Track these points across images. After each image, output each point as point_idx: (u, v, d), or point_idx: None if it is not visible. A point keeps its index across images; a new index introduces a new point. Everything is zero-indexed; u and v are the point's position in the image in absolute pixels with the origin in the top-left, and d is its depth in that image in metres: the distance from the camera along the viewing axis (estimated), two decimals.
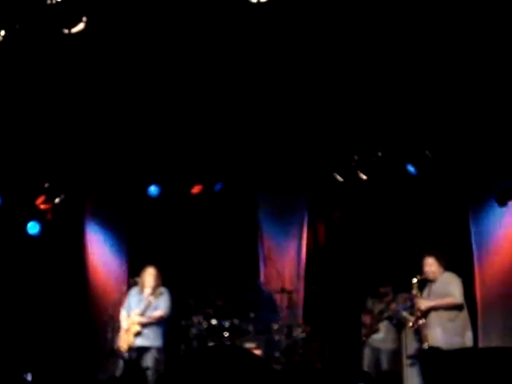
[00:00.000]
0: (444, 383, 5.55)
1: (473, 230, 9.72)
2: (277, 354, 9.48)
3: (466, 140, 9.23)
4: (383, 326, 9.04)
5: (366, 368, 8.91)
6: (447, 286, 7.95)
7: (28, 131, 9.17)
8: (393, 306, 8.87)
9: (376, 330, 9.04)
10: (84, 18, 7.16)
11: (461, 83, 8.23)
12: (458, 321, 7.89)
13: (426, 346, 7.82)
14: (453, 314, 7.88)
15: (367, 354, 9.08)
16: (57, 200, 10.45)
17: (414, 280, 8.05)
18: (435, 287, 8.03)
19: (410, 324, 8.15)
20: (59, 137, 9.41)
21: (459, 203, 9.76)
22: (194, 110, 9.09)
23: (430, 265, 8.05)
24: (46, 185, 10.35)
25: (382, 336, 9.04)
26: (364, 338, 9.14)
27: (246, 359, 4.00)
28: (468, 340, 7.88)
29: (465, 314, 7.96)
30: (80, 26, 7.21)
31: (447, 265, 8.13)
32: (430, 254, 8.10)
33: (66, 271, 10.38)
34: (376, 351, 9.04)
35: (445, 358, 6.66)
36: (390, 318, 8.96)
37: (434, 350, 7.63)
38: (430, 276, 8.06)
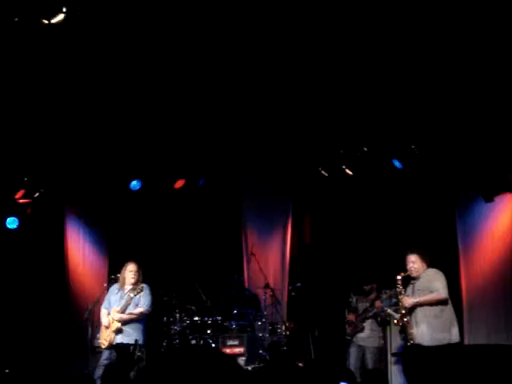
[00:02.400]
0: (426, 380, 5.44)
1: (458, 225, 9.65)
2: (260, 351, 9.38)
3: (452, 135, 9.16)
4: (368, 324, 8.96)
5: (351, 366, 8.82)
6: (431, 282, 7.91)
7: (7, 125, 9.00)
8: (377, 303, 8.79)
9: (361, 329, 8.95)
10: (64, 9, 7.05)
11: (447, 78, 8.16)
12: (443, 316, 7.84)
13: (411, 343, 7.76)
14: (438, 309, 7.83)
15: (353, 352, 9.00)
16: (36, 194, 10.29)
17: (398, 277, 7.99)
18: (419, 284, 7.99)
19: (395, 321, 8.09)
20: (39, 131, 9.25)
21: (445, 198, 9.69)
22: (177, 104, 8.97)
23: (413, 262, 8.01)
24: (26, 179, 10.19)
25: (367, 334, 8.95)
26: (349, 337, 9.05)
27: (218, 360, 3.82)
28: (454, 335, 7.83)
29: (450, 309, 7.91)
30: (60, 17, 7.09)
31: (432, 260, 8.08)
32: (412, 251, 8.07)
33: (45, 266, 10.25)
34: (361, 349, 8.96)
35: (427, 354, 6.59)
36: (374, 316, 8.88)
37: (416, 347, 7.56)
38: (414, 273, 8.02)
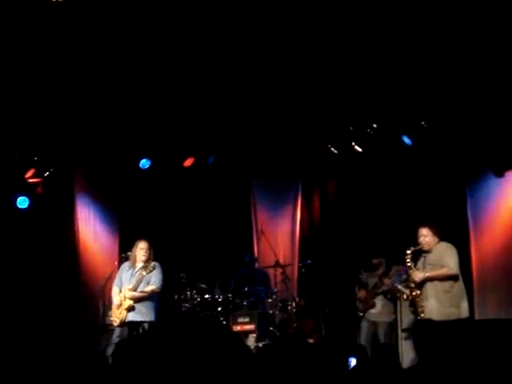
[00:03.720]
0: (437, 355, 5.45)
1: (469, 200, 9.63)
2: (271, 328, 9.42)
3: (462, 111, 9.10)
4: (379, 299, 8.97)
5: (362, 341, 8.86)
6: (442, 257, 7.87)
7: (16, 105, 9.01)
8: (386, 280, 8.79)
9: (372, 305, 8.97)
10: None
11: (456, 54, 8.09)
12: (453, 291, 7.82)
13: (422, 316, 7.76)
14: (448, 284, 7.81)
15: (364, 327, 9.03)
16: (46, 173, 10.30)
17: (408, 251, 7.96)
18: (430, 257, 7.95)
19: (405, 296, 8.08)
20: (48, 110, 9.24)
21: (455, 174, 9.66)
22: (185, 83, 8.94)
23: (425, 235, 7.96)
24: (35, 158, 10.20)
25: (378, 310, 8.98)
26: (360, 313, 9.07)
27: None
28: (464, 311, 7.82)
29: (460, 284, 7.89)
30: None
31: (443, 236, 8.03)
32: (424, 224, 8.01)
33: (56, 245, 10.25)
34: (373, 325, 8.99)
35: (437, 329, 6.59)
36: (384, 293, 8.88)
37: (427, 322, 7.55)
38: (425, 247, 7.97)
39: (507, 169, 9.27)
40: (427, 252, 7.98)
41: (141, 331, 8.32)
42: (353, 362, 4.60)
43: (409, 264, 8.00)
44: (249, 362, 3.31)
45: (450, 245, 7.98)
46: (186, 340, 3.88)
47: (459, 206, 9.60)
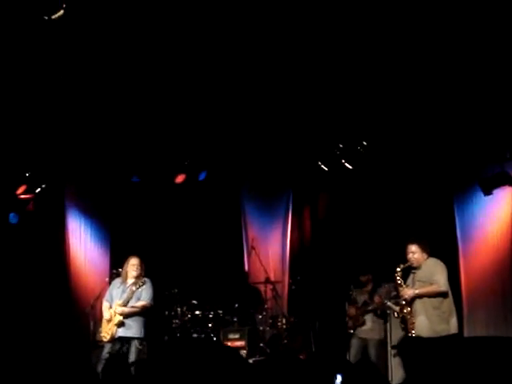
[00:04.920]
0: (425, 372, 5.49)
1: (457, 218, 9.70)
2: (261, 345, 9.45)
3: (451, 129, 9.19)
4: (369, 316, 9.00)
5: (353, 358, 8.88)
6: (431, 273, 7.90)
7: (8, 121, 9.04)
8: (376, 298, 8.84)
9: (362, 323, 9.00)
10: (64, 5, 7.07)
11: (443, 69, 8.18)
12: (442, 308, 7.83)
13: (411, 334, 7.79)
14: (437, 301, 7.82)
15: (354, 344, 9.04)
16: (38, 190, 10.33)
17: (398, 269, 8.00)
18: (419, 274, 7.97)
19: (395, 314, 8.10)
20: (40, 127, 9.28)
21: (444, 191, 9.74)
22: (177, 99, 9.00)
23: (414, 252, 8.00)
24: (27, 175, 10.22)
25: (368, 327, 9.00)
26: (350, 330, 9.10)
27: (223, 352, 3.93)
28: (453, 327, 7.83)
29: (449, 300, 7.91)
30: (60, 13, 7.12)
31: (432, 252, 8.08)
32: (412, 241, 8.04)
33: (47, 262, 10.27)
34: (363, 342, 9.01)
35: (425, 346, 6.63)
36: (374, 311, 8.92)
37: (414, 339, 7.59)
38: (414, 263, 8.00)
39: (495, 187, 9.35)
40: (416, 268, 8.02)
41: (131, 347, 8.36)
42: (338, 379, 4.62)
43: (399, 281, 8.03)
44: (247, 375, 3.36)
45: (438, 261, 8.01)
46: (180, 357, 3.93)
47: (448, 222, 9.67)
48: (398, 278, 8.02)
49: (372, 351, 8.91)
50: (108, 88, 8.66)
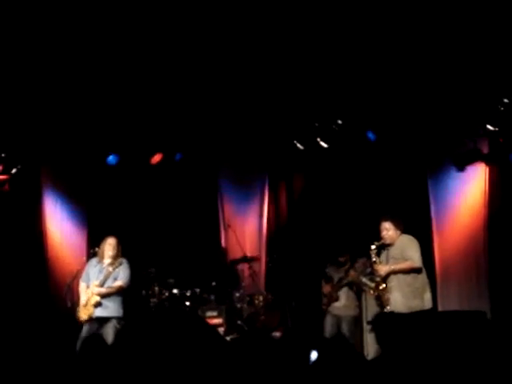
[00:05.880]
0: (399, 347, 5.58)
1: (431, 194, 9.81)
2: (239, 322, 9.53)
3: (424, 106, 9.24)
4: (343, 293, 9.04)
5: (327, 335, 8.95)
6: (405, 250, 8.01)
7: None
8: (352, 273, 8.90)
9: (336, 299, 9.05)
10: None
11: (417, 50, 8.21)
12: (416, 284, 7.96)
13: (387, 310, 7.89)
14: (411, 277, 7.94)
15: (328, 321, 9.08)
16: (13, 170, 10.27)
17: (373, 246, 8.10)
18: (393, 251, 8.08)
19: (371, 291, 8.19)
20: (14, 106, 9.21)
21: (418, 168, 9.83)
22: (153, 78, 8.96)
23: (387, 229, 8.10)
24: (3, 155, 10.17)
25: (342, 303, 9.03)
26: (324, 307, 9.16)
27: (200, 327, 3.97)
28: (427, 302, 7.96)
29: (423, 276, 8.03)
30: None
31: (406, 228, 8.18)
32: (386, 218, 8.15)
33: (24, 242, 10.23)
34: (337, 318, 9.05)
35: (399, 321, 6.72)
36: (349, 285, 8.99)
37: (388, 314, 7.69)
38: (388, 240, 8.11)
39: (468, 163, 9.45)
40: (390, 245, 8.12)
41: (109, 327, 8.40)
42: (314, 355, 4.69)
43: (373, 259, 8.13)
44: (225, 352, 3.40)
45: (411, 237, 8.12)
46: (158, 333, 3.96)
47: (422, 199, 9.77)
48: (372, 255, 8.13)
49: (345, 327, 8.94)
50: (84, 69, 8.59)
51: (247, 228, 10.88)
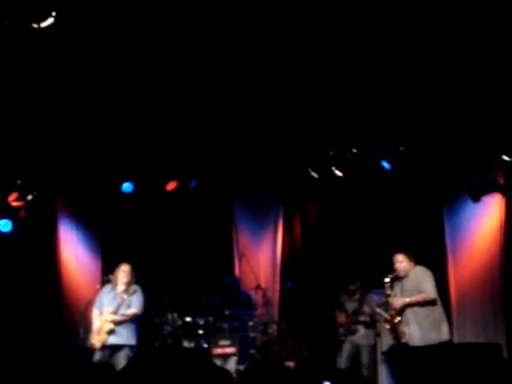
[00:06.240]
0: (413, 379, 5.53)
1: (446, 224, 9.75)
2: (252, 351, 9.47)
3: (439, 136, 9.24)
4: (360, 325, 9.08)
5: (344, 363, 8.94)
6: (419, 282, 7.96)
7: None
8: (365, 308, 8.93)
9: (354, 332, 9.06)
10: (53, 13, 7.08)
11: (433, 79, 8.22)
12: (433, 315, 7.92)
13: (403, 342, 7.83)
14: (427, 309, 7.90)
15: (347, 348, 9.13)
16: (29, 197, 10.32)
17: (386, 279, 8.06)
18: (407, 283, 8.04)
19: (387, 324, 8.13)
20: (31, 133, 9.29)
21: (433, 198, 9.80)
22: (167, 106, 9.02)
23: (401, 261, 8.07)
24: (19, 182, 10.23)
25: (361, 333, 9.08)
26: (342, 337, 9.16)
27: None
28: (444, 334, 7.90)
29: (439, 307, 7.99)
30: (49, 21, 7.14)
31: (421, 259, 8.14)
32: (399, 250, 8.11)
33: (38, 269, 10.26)
34: (356, 347, 9.09)
35: (414, 353, 6.67)
36: (365, 322, 8.99)
37: (403, 346, 7.63)
38: (401, 272, 8.07)
39: (484, 193, 9.41)
40: (404, 277, 8.08)
41: (122, 355, 8.37)
42: None
43: (388, 292, 8.09)
44: None
45: (425, 269, 8.08)
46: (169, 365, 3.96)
47: (437, 229, 9.72)
48: (386, 287, 8.09)
49: (364, 356, 8.99)
50: (99, 97, 8.66)
51: (261, 257, 10.85)
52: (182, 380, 3.26)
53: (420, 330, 7.84)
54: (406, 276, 8.05)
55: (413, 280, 8.00)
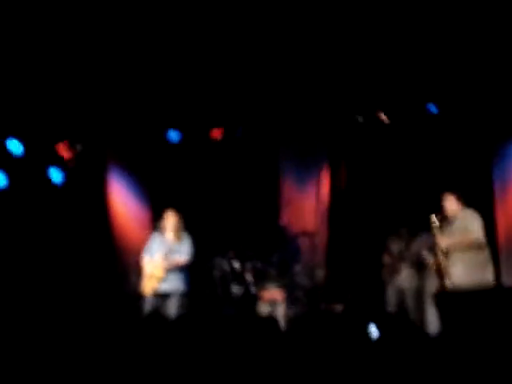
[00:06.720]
0: (460, 322, 5.57)
1: (495, 170, 9.62)
2: (299, 296, 9.59)
3: (489, 81, 9.06)
4: (405, 265, 9.07)
5: (391, 308, 9.00)
6: (467, 224, 7.95)
7: (46, 80, 9.14)
8: (412, 246, 8.90)
9: (397, 270, 9.06)
10: None
11: (484, 25, 8.05)
12: (478, 258, 7.93)
13: (448, 283, 7.86)
14: (474, 251, 7.91)
15: (391, 294, 9.15)
16: (78, 147, 10.45)
17: (433, 218, 8.06)
18: (455, 224, 8.05)
19: (432, 265, 8.17)
20: (77, 83, 9.36)
21: (482, 143, 9.65)
22: (212, 54, 8.99)
23: (450, 202, 8.07)
24: (67, 132, 10.35)
25: (404, 275, 9.07)
26: (386, 279, 9.19)
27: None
28: (489, 276, 7.91)
29: (486, 250, 8.00)
30: None
31: (468, 202, 8.12)
32: (448, 191, 8.13)
33: (89, 218, 10.42)
34: (400, 291, 9.10)
35: (461, 299, 6.70)
36: (411, 259, 8.98)
37: (451, 291, 7.67)
38: (450, 213, 8.08)
39: None
40: (452, 219, 8.08)
41: (173, 302, 8.53)
42: (373, 329, 4.72)
43: (435, 231, 8.10)
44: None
45: (473, 211, 8.06)
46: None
47: (485, 174, 9.62)
48: (434, 227, 8.09)
49: (409, 300, 9.02)
50: (143, 49, 8.67)
51: (307, 203, 10.83)
52: (229, 332, 3.35)
53: (464, 271, 7.86)
54: (454, 217, 8.06)
55: (461, 222, 8.00)
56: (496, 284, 8.10)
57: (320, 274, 9.81)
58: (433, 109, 9.69)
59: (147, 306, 8.55)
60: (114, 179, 10.79)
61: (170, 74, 9.41)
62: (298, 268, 9.85)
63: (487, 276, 7.91)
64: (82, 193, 10.46)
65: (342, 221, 10.56)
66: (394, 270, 9.10)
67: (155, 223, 9.26)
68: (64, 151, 10.41)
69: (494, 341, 4.84)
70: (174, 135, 10.61)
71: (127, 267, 9.50)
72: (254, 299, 9.45)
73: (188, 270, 8.84)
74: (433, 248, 8.24)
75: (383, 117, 10.02)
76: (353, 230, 10.44)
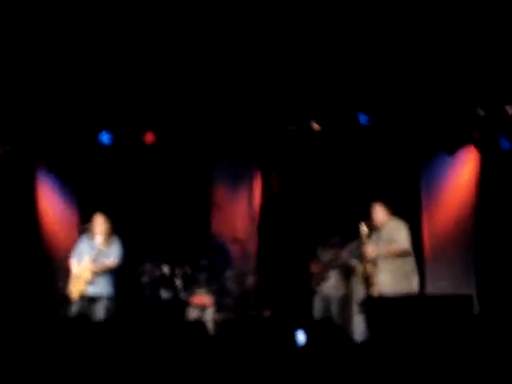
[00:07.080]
0: (386, 329, 5.67)
1: (422, 179, 9.84)
2: (229, 302, 9.59)
3: (417, 90, 9.27)
4: (333, 274, 9.16)
5: (316, 316, 9.06)
6: (394, 234, 8.14)
7: None
8: (344, 253, 9.01)
9: (325, 278, 9.14)
10: None
11: (414, 34, 8.24)
12: (405, 267, 8.10)
13: (374, 291, 7.99)
14: (399, 260, 8.09)
15: (317, 303, 9.21)
16: (7, 148, 10.25)
17: (363, 227, 8.21)
18: (382, 234, 8.22)
19: (359, 273, 8.30)
20: (7, 83, 9.19)
21: (410, 153, 9.84)
22: (147, 57, 8.95)
23: (378, 212, 8.23)
24: None
25: (332, 283, 9.16)
26: (313, 287, 9.26)
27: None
28: (414, 284, 8.10)
29: (411, 259, 8.18)
30: None
31: (396, 212, 8.31)
32: (376, 201, 8.28)
33: (17, 220, 10.26)
34: (326, 299, 9.17)
35: (387, 305, 6.83)
36: (339, 266, 9.08)
37: (377, 298, 7.80)
38: (378, 222, 8.24)
39: (459, 146, 9.52)
40: (379, 228, 8.24)
41: (100, 305, 8.44)
42: (300, 335, 4.76)
43: (363, 240, 8.24)
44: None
45: (401, 221, 8.27)
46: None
47: (413, 183, 9.83)
48: (362, 236, 8.24)
49: (335, 308, 9.09)
50: (77, 49, 8.57)
51: (238, 208, 10.85)
52: (156, 333, 3.34)
53: (391, 279, 8.02)
54: (381, 226, 8.23)
55: (388, 231, 8.19)
56: (420, 292, 8.27)
57: (250, 280, 9.84)
58: (363, 119, 9.83)
59: (74, 309, 8.44)
60: (42, 181, 10.61)
61: (103, 76, 9.33)
62: (228, 273, 9.86)
63: (413, 284, 8.08)
64: (10, 195, 10.26)
65: (273, 228, 10.62)
66: (322, 279, 9.18)
67: (83, 226, 9.13)
68: None
69: (417, 347, 4.92)
70: (105, 138, 10.49)
71: (55, 270, 9.34)
72: (183, 304, 9.41)
73: (116, 274, 8.75)
74: (362, 256, 8.37)
75: (315, 126, 10.12)
76: (283, 237, 10.51)
